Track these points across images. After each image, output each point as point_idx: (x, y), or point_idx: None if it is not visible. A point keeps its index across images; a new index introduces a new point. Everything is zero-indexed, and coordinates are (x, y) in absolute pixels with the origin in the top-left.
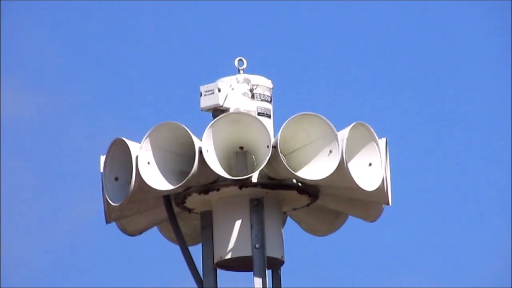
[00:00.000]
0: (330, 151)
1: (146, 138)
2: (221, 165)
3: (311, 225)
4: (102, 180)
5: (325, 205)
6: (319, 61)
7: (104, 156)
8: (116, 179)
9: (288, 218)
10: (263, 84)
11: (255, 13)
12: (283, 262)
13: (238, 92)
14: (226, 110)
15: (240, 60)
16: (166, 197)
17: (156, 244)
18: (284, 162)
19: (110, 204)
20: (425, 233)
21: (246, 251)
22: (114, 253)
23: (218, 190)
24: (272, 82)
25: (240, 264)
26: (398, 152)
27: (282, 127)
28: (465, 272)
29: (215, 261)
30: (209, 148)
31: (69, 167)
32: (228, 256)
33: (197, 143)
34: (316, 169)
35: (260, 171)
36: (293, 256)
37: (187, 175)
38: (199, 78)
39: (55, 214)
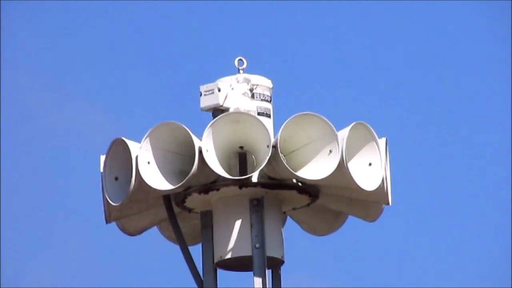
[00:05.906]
0: (330, 151)
1: (146, 138)
2: (221, 165)
3: (311, 225)
4: (102, 180)
5: (325, 205)
6: (319, 60)
7: (104, 156)
8: (116, 179)
9: (288, 218)
10: (263, 84)
11: (255, 13)
12: (283, 262)
13: (238, 92)
14: (226, 110)
15: (240, 60)
16: (166, 197)
17: (156, 244)
18: (284, 162)
19: (110, 204)
20: (425, 233)
21: (246, 251)
22: (114, 253)
23: (218, 190)
24: (272, 82)
25: (240, 264)
26: (398, 152)
27: (282, 127)
28: (465, 272)
29: (215, 261)
30: (209, 148)
31: (69, 167)
32: (228, 256)
33: (197, 143)
34: (316, 169)
35: (260, 171)
36: (293, 256)
37: (187, 175)
38: (199, 78)
39: (55, 214)
